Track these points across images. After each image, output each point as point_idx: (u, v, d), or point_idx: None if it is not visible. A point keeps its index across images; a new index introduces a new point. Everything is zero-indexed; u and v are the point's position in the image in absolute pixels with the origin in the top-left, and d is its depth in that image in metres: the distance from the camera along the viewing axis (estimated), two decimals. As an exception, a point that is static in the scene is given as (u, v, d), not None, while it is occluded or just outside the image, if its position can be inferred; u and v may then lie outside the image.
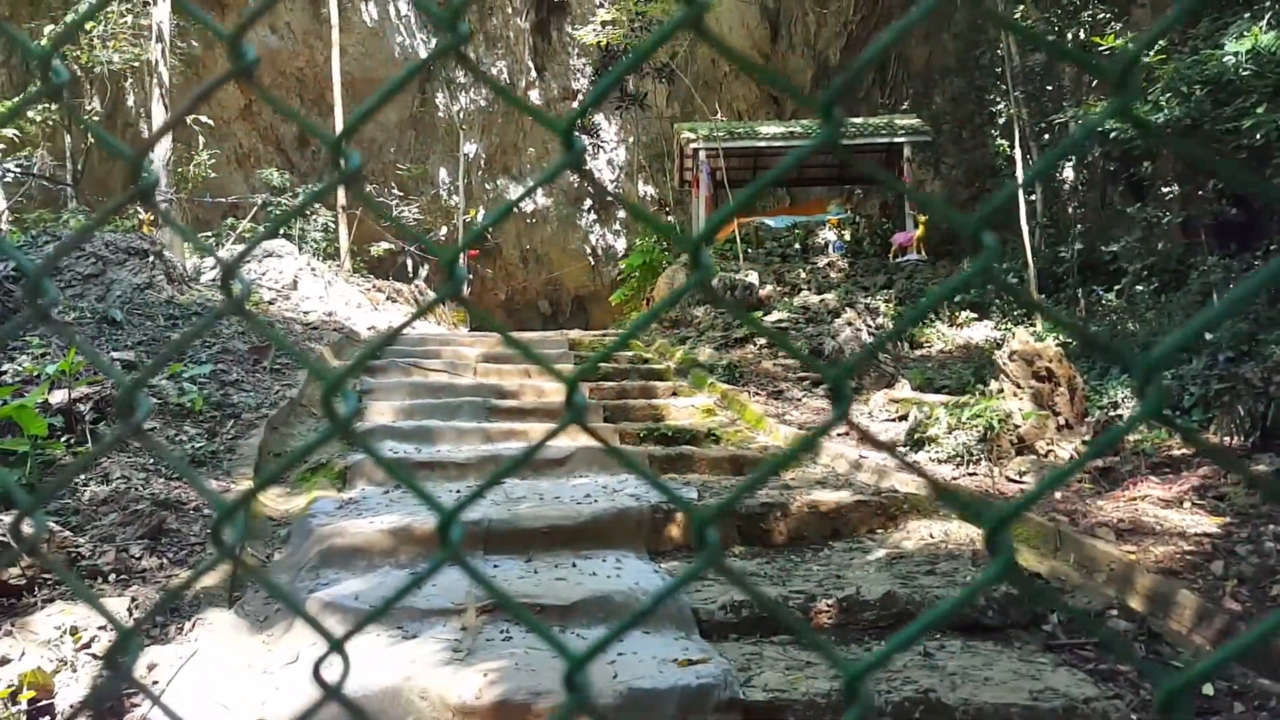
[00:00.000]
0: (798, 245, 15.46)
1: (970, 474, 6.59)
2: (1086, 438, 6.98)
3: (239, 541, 0.73)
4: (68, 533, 4.55)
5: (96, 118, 19.44)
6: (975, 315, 11.79)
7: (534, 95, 25.64)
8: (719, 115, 22.28)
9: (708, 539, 0.64)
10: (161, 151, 14.46)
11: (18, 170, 16.61)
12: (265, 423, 7.14)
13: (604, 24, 20.74)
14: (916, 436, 7.23)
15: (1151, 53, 9.56)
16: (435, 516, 0.72)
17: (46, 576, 4.14)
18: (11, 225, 14.45)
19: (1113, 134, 9.64)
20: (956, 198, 17.17)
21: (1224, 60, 8.78)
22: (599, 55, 22.38)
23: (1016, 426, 6.93)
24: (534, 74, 25.78)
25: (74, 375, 6.43)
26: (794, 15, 22.64)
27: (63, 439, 5.77)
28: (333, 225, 19.20)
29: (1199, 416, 7.16)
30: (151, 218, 14.55)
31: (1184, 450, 6.73)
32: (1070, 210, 13.88)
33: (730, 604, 4.05)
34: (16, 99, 17.18)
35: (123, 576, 4.36)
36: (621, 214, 26.76)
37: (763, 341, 11.14)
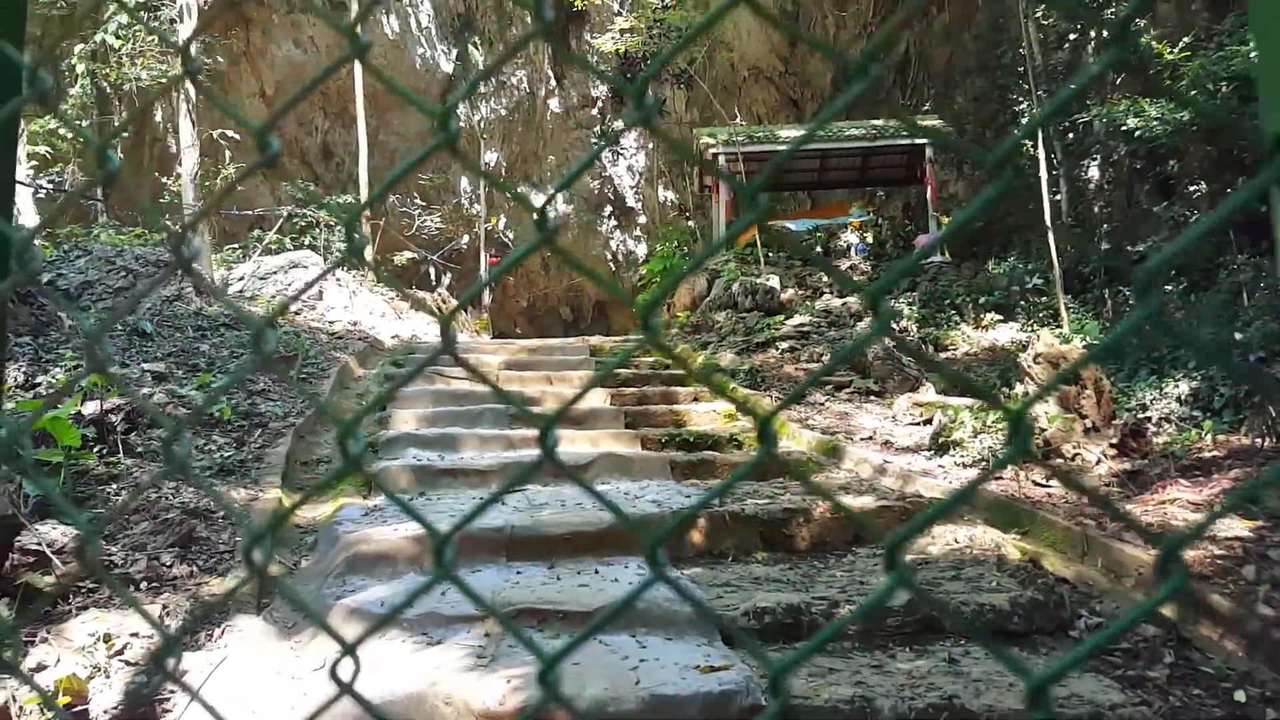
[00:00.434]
0: (820, 248, 15.42)
1: (996, 478, 6.56)
2: (1114, 440, 6.93)
3: (268, 559, 0.76)
4: (100, 541, 4.62)
5: (125, 133, 19.69)
6: (1000, 318, 11.72)
7: (554, 103, 25.73)
8: (738, 120, 22.28)
9: (658, 559, 0.67)
10: (189, 166, 14.63)
11: (50, 186, 16.84)
12: (292, 431, 7.21)
13: (622, 32, 20.79)
14: (941, 440, 7.20)
15: (1177, 50, 9.51)
16: (447, 527, 0.74)
17: (81, 585, 4.20)
18: (44, 240, 14.64)
19: (1138, 132, 9.59)
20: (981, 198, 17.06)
21: (1250, 57, 8.71)
22: (618, 63, 22.44)
23: (1042, 430, 6.89)
24: (553, 82, 25.87)
25: (106, 387, 6.52)
26: (813, 17, 22.61)
27: (95, 449, 5.85)
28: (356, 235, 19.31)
29: (1230, 418, 7.10)
30: (177, 230, 14.72)
31: (1215, 452, 6.67)
32: (1096, 210, 13.79)
33: (754, 610, 4.05)
34: (53, 119, 17.43)
35: (154, 584, 4.42)
36: (642, 220, 26.79)
37: (785, 346, 11.12)
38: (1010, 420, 0.63)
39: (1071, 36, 12.79)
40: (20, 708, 3.24)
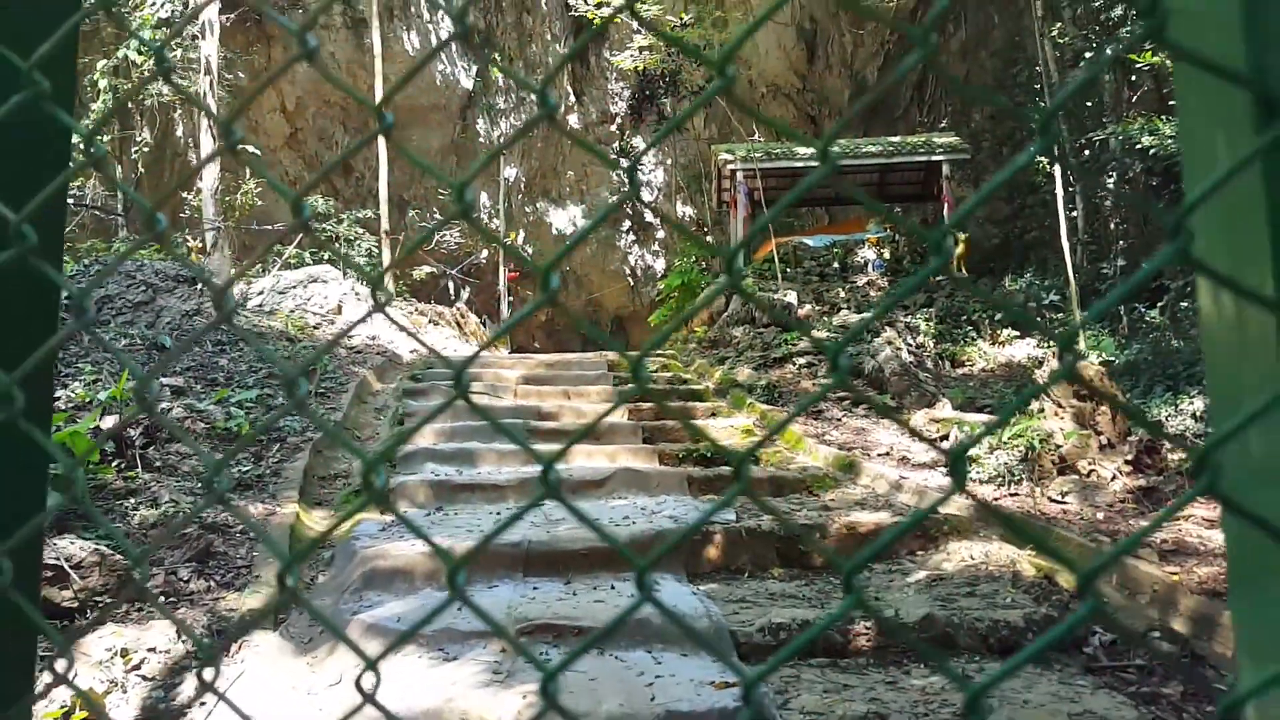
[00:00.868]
0: (836, 264, 15.43)
1: (1012, 494, 6.55)
2: (1129, 457, 6.91)
3: (296, 583, 0.78)
4: (118, 556, 4.66)
5: (147, 148, 19.89)
6: (1017, 333, 11.71)
7: (573, 119, 25.86)
8: (756, 136, 22.33)
9: (645, 584, 0.69)
10: (210, 181, 14.78)
11: (70, 201, 17.02)
12: (310, 446, 7.26)
13: (641, 50, 20.90)
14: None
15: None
16: (474, 540, 0.76)
17: (98, 599, 4.24)
18: (65, 255, 14.79)
19: (1153, 150, 9.58)
20: (997, 214, 17.09)
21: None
22: (636, 80, 22.55)
23: (1058, 446, 6.88)
24: (573, 99, 26.00)
25: (124, 401, 6.59)
26: (831, 36, 22.67)
27: (114, 464, 5.91)
28: (376, 250, 19.46)
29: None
30: (200, 246, 14.85)
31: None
32: (1112, 226, 13.76)
33: (768, 626, 4.06)
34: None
35: (171, 599, 4.46)
36: (660, 234, 26.86)
37: (802, 361, 11.13)
38: (950, 459, 0.65)
39: (1087, 55, 12.80)
40: None
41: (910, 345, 11.30)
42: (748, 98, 23.76)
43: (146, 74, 17.23)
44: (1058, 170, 11.71)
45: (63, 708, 3.38)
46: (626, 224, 26.91)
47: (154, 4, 16.19)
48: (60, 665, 0.95)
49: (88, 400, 6.86)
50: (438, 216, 24.12)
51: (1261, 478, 0.69)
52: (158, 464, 6.21)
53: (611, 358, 12.65)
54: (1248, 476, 0.69)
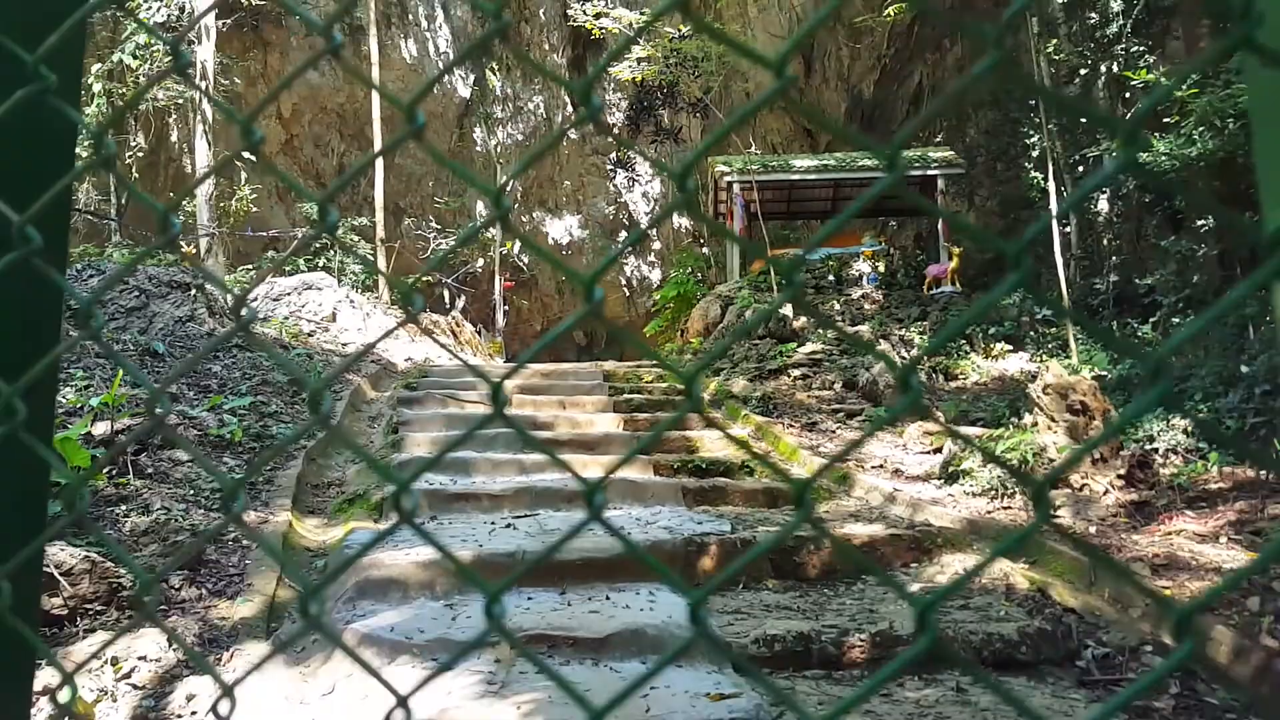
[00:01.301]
0: (832, 277, 15.47)
1: (1005, 508, 6.56)
2: (1121, 471, 6.92)
3: (322, 612, 0.75)
4: (109, 563, 4.64)
5: (141, 153, 19.89)
6: (1010, 347, 11.73)
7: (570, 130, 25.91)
8: (752, 148, 22.39)
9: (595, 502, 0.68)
10: (205, 187, 14.77)
11: (69, 225, 16.99)
12: (303, 454, 7.24)
13: (639, 61, 20.94)
14: (951, 470, 7.20)
15: (1184, 87, 9.56)
16: (470, 550, 0.76)
17: (88, 606, 4.22)
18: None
19: (1145, 167, 9.61)
20: (991, 229, 17.12)
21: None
22: (634, 91, 22.60)
23: (1051, 460, 6.89)
24: (570, 108, 26.05)
25: (116, 408, 6.57)
26: (827, 49, 22.76)
27: (105, 471, 5.88)
28: (372, 258, 19.46)
29: (1235, 450, 7.09)
30: (194, 251, 14.84)
31: (1220, 484, 6.66)
32: (1105, 242, 13.80)
33: (763, 638, 4.06)
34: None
35: (162, 607, 4.44)
36: (656, 245, 26.88)
37: (797, 373, 11.15)
38: (1033, 492, 0.64)
39: (1082, 71, 12.86)
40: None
41: (904, 358, 11.31)
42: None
43: (143, 78, 17.25)
44: (1052, 186, 11.74)
45: (50, 716, 3.36)
46: (623, 235, 26.93)
47: (149, 8, 16.19)
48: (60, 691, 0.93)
49: (79, 406, 6.84)
50: (433, 224, 24.14)
51: None
52: (149, 471, 6.19)
53: (607, 367, 12.65)
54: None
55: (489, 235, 25.42)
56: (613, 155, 25.89)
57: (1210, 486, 6.63)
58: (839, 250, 16.57)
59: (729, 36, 0.78)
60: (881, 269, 15.63)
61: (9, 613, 0.94)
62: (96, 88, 18.27)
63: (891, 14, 16.31)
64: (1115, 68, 12.36)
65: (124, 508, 5.48)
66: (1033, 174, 14.51)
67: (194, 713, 3.50)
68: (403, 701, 0.74)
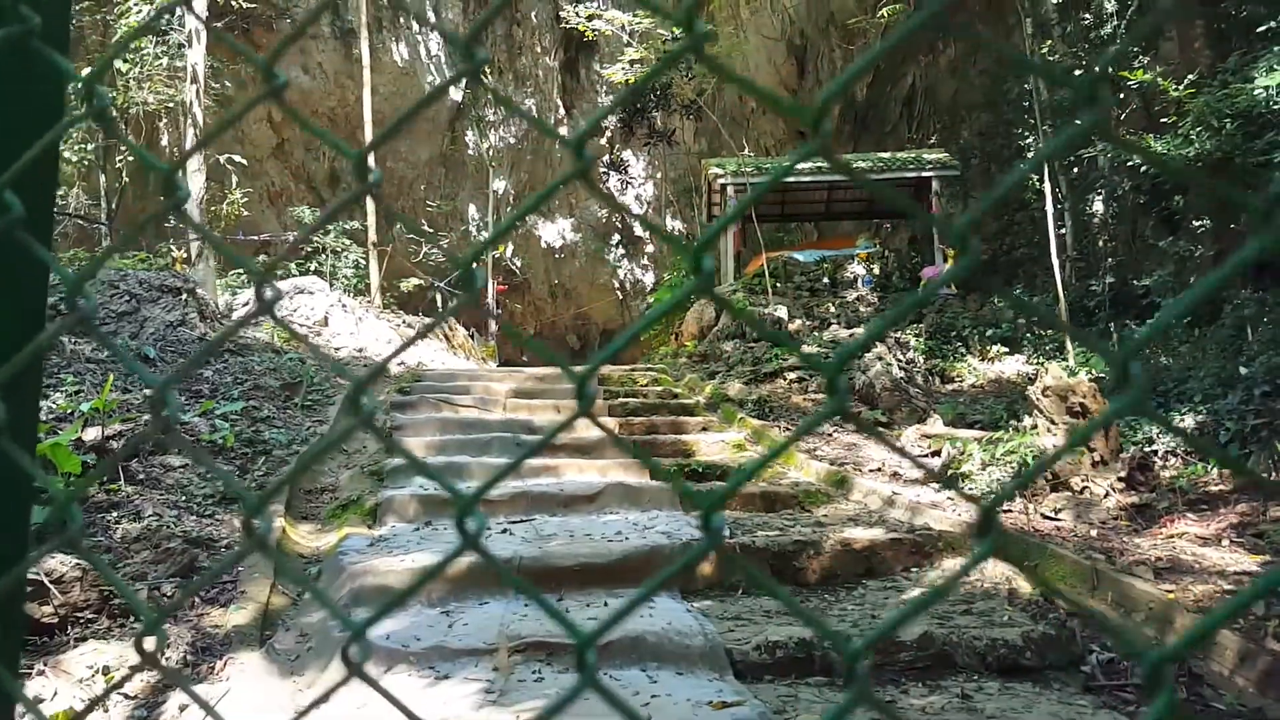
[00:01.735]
0: (826, 279, 15.43)
1: (1005, 511, 6.51)
2: (1122, 474, 6.88)
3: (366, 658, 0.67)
4: (164, 630, 4.57)
5: (131, 157, 19.76)
6: (1007, 350, 11.71)
7: (563, 132, 25.87)
8: (746, 151, 22.37)
9: (587, 660, 0.63)
10: (196, 189, 14.66)
11: (56, 192, 16.87)
12: (297, 460, 7.17)
13: (631, 63, 20.90)
14: (950, 473, 7.16)
15: (1181, 87, 9.55)
16: (463, 556, 0.70)
17: (79, 615, 4.15)
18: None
19: (1143, 169, 9.59)
20: (985, 230, 17.11)
21: (1254, 94, 8.73)
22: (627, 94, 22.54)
23: (1051, 463, 6.84)
24: (562, 111, 26.02)
25: (107, 413, 6.49)
26: (820, 51, 22.74)
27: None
28: (363, 262, 19.36)
29: (1235, 453, 7.06)
30: (185, 255, 14.73)
31: (1221, 487, 6.63)
32: (1101, 244, 13.80)
33: (765, 644, 4.00)
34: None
35: (155, 614, 4.37)
36: (650, 248, 26.85)
37: (793, 376, 11.10)
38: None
39: (1077, 73, 12.84)
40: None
41: (901, 361, 11.27)
42: (738, 112, 23.80)
43: (133, 81, 17.15)
44: (1047, 187, 11.72)
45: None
46: (616, 238, 26.90)
47: (138, 10, 16.09)
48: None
49: (69, 411, 6.76)
50: (427, 229, 24.06)
51: None
52: (141, 477, 6.11)
53: (603, 373, 12.57)
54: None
55: (481, 239, 25.33)
56: (606, 159, 25.84)
57: (1211, 489, 6.60)
58: (834, 252, 16.55)
59: (742, 77, 0.72)
60: (876, 271, 15.61)
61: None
62: (91, 73, 18.11)
63: (886, 15, 16.29)
64: (1109, 68, 12.33)
65: (115, 514, 5.40)
66: (1029, 176, 14.50)
67: (187, 723, 3.43)
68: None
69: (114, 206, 18.63)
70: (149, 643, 0.77)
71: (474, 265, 0.70)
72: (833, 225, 20.89)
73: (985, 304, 13.10)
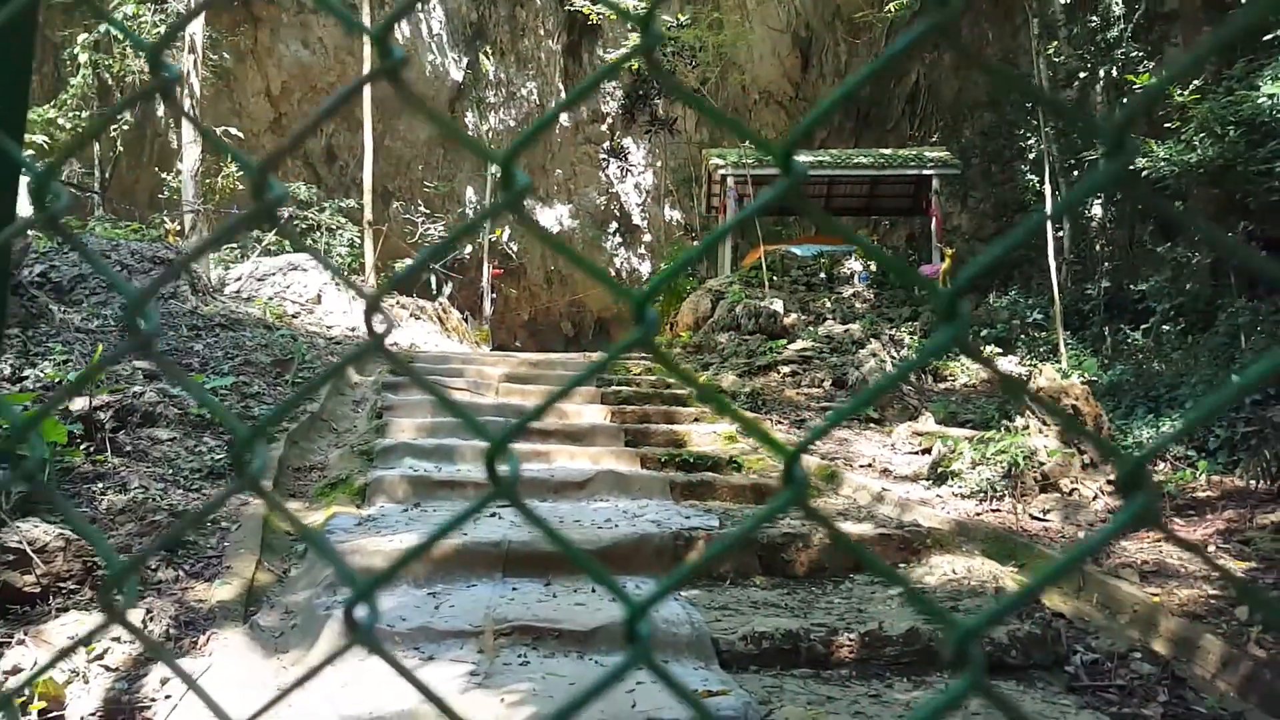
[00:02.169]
0: (823, 274, 15.41)
1: (994, 510, 6.51)
2: (1111, 476, 6.89)
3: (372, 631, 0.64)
4: (84, 541, 4.54)
5: (126, 127, 19.64)
6: (1000, 350, 11.71)
7: (563, 117, 25.79)
8: (747, 142, 22.31)
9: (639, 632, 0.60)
10: (190, 162, 14.59)
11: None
12: (285, 436, 7.13)
13: (635, 47, 20.81)
14: (940, 471, 7.16)
15: (1186, 92, 9.53)
16: (453, 538, 0.67)
17: (61, 585, 4.12)
18: (39, 232, 14.58)
19: (1145, 173, 9.58)
20: (984, 231, 17.12)
21: (1259, 102, 8.72)
22: (629, 79, 22.48)
23: (1041, 464, 6.85)
24: (564, 95, 25.92)
25: (96, 383, 6.44)
26: (825, 45, 22.69)
27: (82, 446, 5.77)
28: (358, 241, 19.28)
29: (1224, 459, 7.08)
30: (179, 228, 14.67)
31: (1209, 493, 6.64)
32: (1098, 248, 13.80)
33: (752, 635, 3.99)
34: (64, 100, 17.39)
35: (138, 588, 4.34)
36: (647, 238, 26.79)
37: (786, 370, 11.09)
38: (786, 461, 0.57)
39: (1082, 75, 12.83)
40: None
41: (895, 358, 11.27)
42: (740, 102, 23.74)
43: (128, 50, 17.04)
44: (1047, 189, 11.71)
45: (20, 697, 3.26)
46: (614, 226, 26.85)
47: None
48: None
49: (57, 380, 6.71)
50: (423, 209, 23.98)
51: None
52: (128, 448, 6.07)
53: (595, 358, 12.55)
54: None
55: (517, 188, 25.28)
56: (606, 145, 25.77)
57: (1199, 495, 6.61)
58: (831, 248, 16.53)
59: (695, 97, 0.69)
60: (874, 267, 15.58)
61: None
62: (83, 58, 18.03)
63: (892, 10, 16.23)
64: (1115, 72, 12.33)
65: (101, 485, 5.37)
66: (1028, 176, 14.49)
67: (168, 696, 3.40)
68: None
69: (107, 176, 18.53)
70: (117, 598, 0.73)
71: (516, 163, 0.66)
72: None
73: (980, 304, 13.10)
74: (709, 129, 24.24)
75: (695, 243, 23.24)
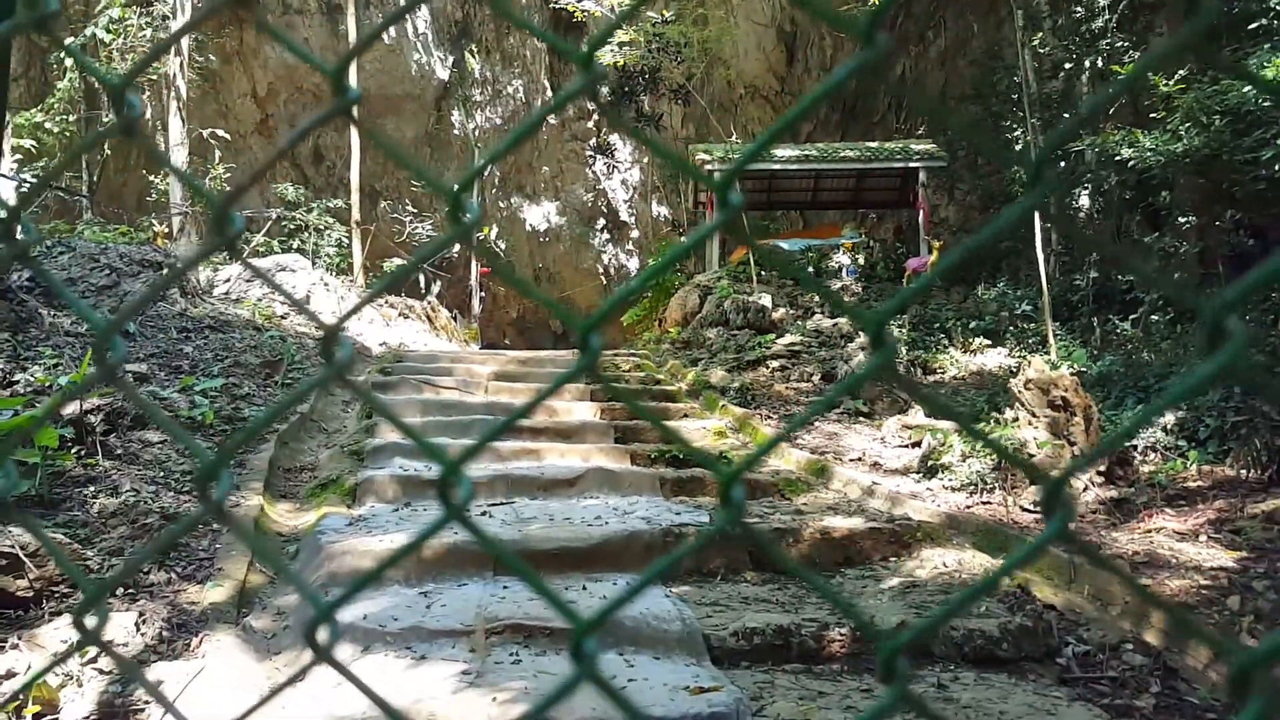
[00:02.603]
0: (811, 269, 15.43)
1: (984, 503, 6.53)
2: (1101, 468, 6.92)
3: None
4: (75, 545, 4.53)
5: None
6: (989, 342, 11.73)
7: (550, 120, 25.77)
8: (734, 137, 22.32)
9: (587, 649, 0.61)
10: (178, 164, 14.52)
11: (34, 180, 16.71)
12: (276, 437, 7.12)
13: (621, 45, 20.80)
14: (930, 464, 7.18)
15: (1172, 82, 9.56)
16: (443, 538, 0.68)
17: (55, 589, 4.11)
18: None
19: (1131, 163, 9.61)
20: (971, 222, 17.15)
21: (1244, 91, 8.76)
22: (616, 76, 22.45)
23: (1031, 455, 6.87)
24: (549, 93, 25.88)
25: (86, 386, 6.43)
26: (810, 39, 22.70)
27: (73, 450, 5.75)
28: (346, 241, 19.24)
29: (1214, 449, 7.11)
30: (167, 230, 14.62)
31: (1199, 483, 6.67)
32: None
33: (743, 630, 4.00)
34: (44, 109, 17.30)
35: (130, 590, 4.33)
36: (635, 234, 26.76)
37: (775, 364, 11.10)
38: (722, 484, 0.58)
39: (1067, 66, 12.87)
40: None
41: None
42: (726, 97, 23.73)
43: (116, 53, 16.96)
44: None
45: (14, 701, 3.26)
46: (601, 222, 26.83)
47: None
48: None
49: (48, 384, 6.69)
50: (410, 208, 23.94)
51: None
52: (119, 451, 6.06)
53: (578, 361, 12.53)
54: None
55: (466, 219, 25.24)
56: (592, 142, 25.74)
57: (1189, 485, 6.63)
58: (819, 242, 16.56)
59: (639, 131, 0.70)
60: (861, 261, 15.62)
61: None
62: (69, 62, 17.93)
63: (876, 4, 16.23)
64: (1100, 62, 12.36)
65: (92, 489, 5.35)
66: (1014, 168, 14.51)
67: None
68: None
69: (95, 179, 18.46)
70: (89, 620, 0.74)
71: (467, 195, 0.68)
72: (818, 214, 20.89)
73: (968, 296, 13.13)
74: (695, 125, 24.24)
75: (683, 238, 23.25)
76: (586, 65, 0.65)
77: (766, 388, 10.32)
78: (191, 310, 10.53)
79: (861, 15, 0.59)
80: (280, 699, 3.42)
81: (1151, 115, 10.20)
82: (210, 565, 4.74)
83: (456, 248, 24.31)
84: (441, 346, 15.42)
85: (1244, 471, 6.60)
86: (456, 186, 0.65)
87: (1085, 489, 6.64)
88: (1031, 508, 6.35)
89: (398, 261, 21.05)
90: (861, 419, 9.21)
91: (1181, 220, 11.12)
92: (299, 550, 5.18)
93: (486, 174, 25.63)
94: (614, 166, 26.34)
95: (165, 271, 10.67)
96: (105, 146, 19.38)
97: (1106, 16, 12.61)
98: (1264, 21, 9.07)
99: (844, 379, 9.50)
